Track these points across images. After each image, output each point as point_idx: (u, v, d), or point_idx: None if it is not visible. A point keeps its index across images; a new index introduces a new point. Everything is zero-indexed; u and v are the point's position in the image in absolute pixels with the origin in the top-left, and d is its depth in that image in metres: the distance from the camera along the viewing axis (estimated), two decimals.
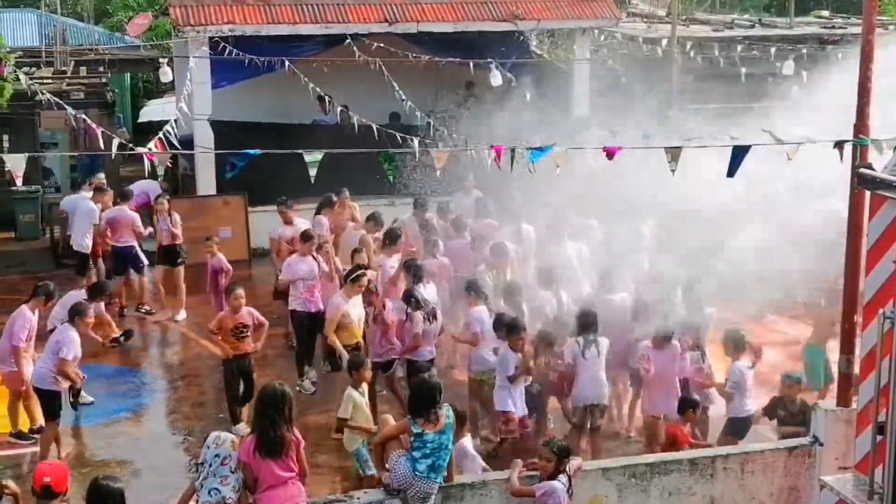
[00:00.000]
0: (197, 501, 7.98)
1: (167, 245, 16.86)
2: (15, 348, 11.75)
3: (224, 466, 7.86)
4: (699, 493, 9.81)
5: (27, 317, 11.85)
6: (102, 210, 16.89)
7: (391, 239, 14.21)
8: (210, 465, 7.91)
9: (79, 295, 13.07)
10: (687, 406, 10.77)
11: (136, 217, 17.00)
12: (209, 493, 7.86)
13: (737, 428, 11.08)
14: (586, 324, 11.28)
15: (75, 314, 11.79)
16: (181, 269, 16.77)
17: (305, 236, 14.06)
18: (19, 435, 12.18)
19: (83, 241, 16.74)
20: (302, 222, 15.61)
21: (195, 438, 12.03)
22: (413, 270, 12.76)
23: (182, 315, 16.70)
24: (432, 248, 14.18)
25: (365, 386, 10.91)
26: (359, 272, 12.44)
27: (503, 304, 12.35)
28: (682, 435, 10.50)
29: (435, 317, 12.23)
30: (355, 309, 12.31)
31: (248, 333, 12.15)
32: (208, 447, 7.97)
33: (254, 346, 12.25)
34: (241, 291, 12.17)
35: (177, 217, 16.88)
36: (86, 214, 16.81)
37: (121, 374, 14.59)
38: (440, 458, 8.60)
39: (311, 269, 13.66)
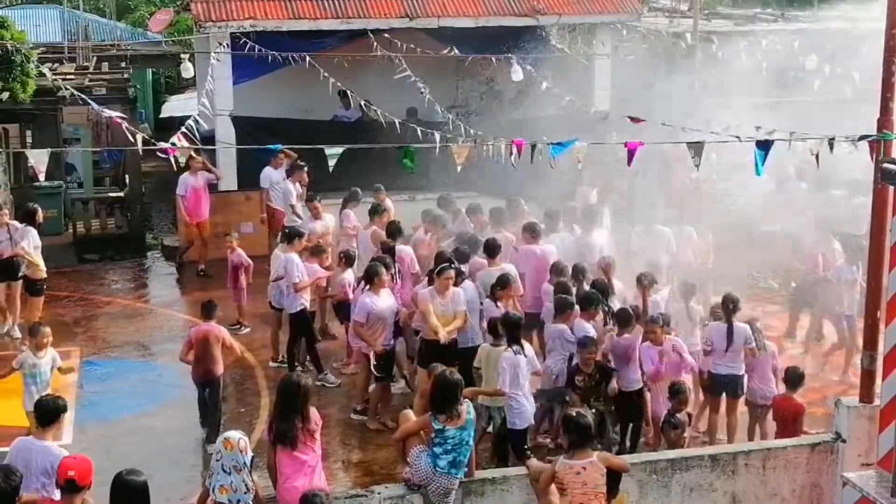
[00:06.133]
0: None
1: (7, 258, 15.26)
2: (355, 323, 12.19)
3: (217, 463, 7.92)
4: (720, 489, 9.79)
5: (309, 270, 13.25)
6: None
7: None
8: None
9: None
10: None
11: None
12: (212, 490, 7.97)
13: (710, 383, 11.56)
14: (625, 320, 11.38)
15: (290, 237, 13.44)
16: (20, 283, 15.34)
17: (288, 235, 14.08)
18: None
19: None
20: (330, 217, 15.63)
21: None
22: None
23: (17, 331, 15.33)
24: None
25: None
26: (443, 265, 11.88)
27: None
28: None
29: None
30: (441, 306, 11.74)
31: None
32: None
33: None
34: None
35: (17, 225, 15.22)
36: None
37: (140, 369, 14.69)
38: (461, 453, 8.61)
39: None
